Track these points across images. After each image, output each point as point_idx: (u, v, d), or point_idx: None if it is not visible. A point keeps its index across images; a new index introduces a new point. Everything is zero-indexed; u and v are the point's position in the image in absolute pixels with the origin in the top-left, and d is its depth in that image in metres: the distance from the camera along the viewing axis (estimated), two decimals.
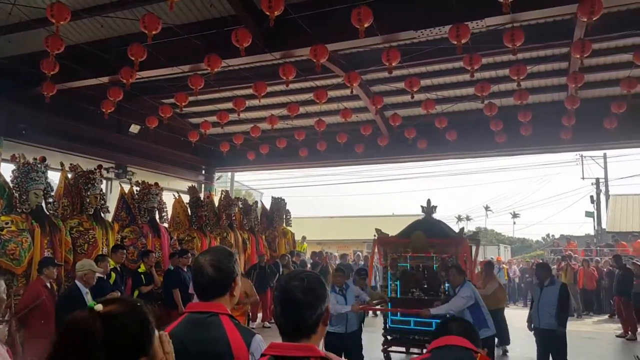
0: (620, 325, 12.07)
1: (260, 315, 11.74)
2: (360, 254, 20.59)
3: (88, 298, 5.45)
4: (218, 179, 18.43)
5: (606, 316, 14.96)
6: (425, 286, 7.59)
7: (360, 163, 16.60)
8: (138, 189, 9.94)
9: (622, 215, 26.39)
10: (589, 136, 11.62)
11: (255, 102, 10.72)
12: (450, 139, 11.69)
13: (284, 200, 15.07)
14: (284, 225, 14.85)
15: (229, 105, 11.08)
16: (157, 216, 10.09)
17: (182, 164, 15.14)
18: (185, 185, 13.58)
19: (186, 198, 11.72)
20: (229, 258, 2.17)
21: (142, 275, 8.23)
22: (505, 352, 9.24)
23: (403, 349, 8.03)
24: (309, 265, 14.35)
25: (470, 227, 62.96)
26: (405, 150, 13.01)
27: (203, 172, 16.41)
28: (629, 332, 11.35)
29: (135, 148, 13.08)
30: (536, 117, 10.70)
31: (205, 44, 8.05)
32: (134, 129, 12.76)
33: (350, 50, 9.55)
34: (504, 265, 19.93)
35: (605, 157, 27.54)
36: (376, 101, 10.44)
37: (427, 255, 7.66)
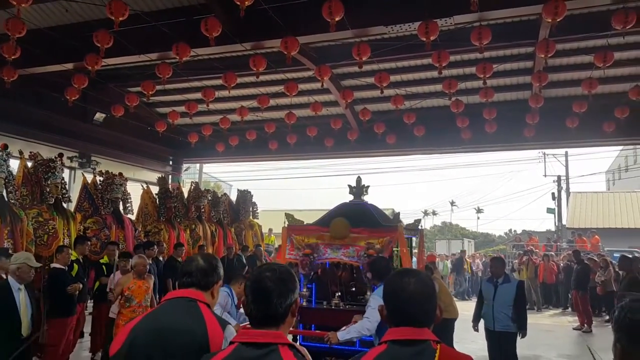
0: (577, 318, 12.52)
1: None
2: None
3: (20, 295, 4.94)
4: (186, 170, 18.18)
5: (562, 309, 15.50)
6: (354, 289, 5.84)
7: (330, 157, 16.66)
8: (101, 179, 9.73)
9: (582, 212, 27.30)
10: (552, 134, 11.95)
11: (224, 93, 10.62)
12: (418, 135, 11.84)
13: (250, 192, 14.99)
14: (251, 217, 14.78)
15: (198, 95, 10.94)
16: (121, 207, 9.89)
17: (148, 154, 14.87)
18: (151, 175, 13.37)
19: (155, 189, 11.52)
20: (216, 259, 2.37)
21: (103, 266, 8.06)
22: None
23: None
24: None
25: (436, 221, 64.23)
26: (375, 144, 13.11)
27: (170, 162, 16.17)
28: (585, 325, 11.78)
29: (100, 137, 12.77)
30: (501, 114, 10.95)
31: (173, 32, 7.91)
32: (99, 117, 12.45)
33: (321, 44, 9.55)
34: (468, 259, 20.36)
35: (566, 155, 28.38)
36: (346, 95, 10.47)
37: (352, 248, 5.60)
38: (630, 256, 10.32)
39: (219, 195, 13.74)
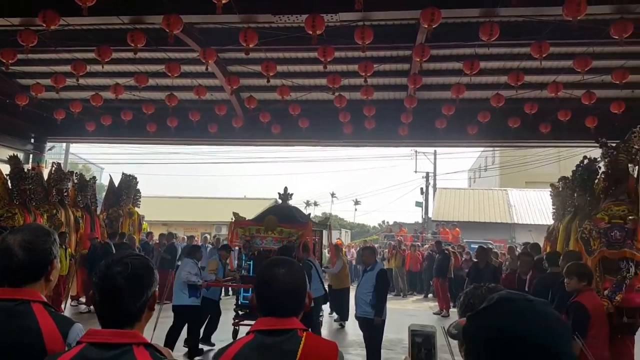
0: (437, 303, 13.65)
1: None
2: (207, 236, 20.63)
3: None
4: (50, 149, 16.59)
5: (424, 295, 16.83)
6: None
7: (213, 143, 16.23)
8: None
9: (446, 206, 29.76)
10: (423, 134, 12.75)
11: (98, 67, 9.83)
12: (303, 126, 12.00)
13: (135, 178, 14.23)
14: (131, 205, 14.00)
15: (67, 68, 10.00)
16: None
17: (6, 130, 13.26)
18: (8, 154, 12.00)
19: (6, 169, 10.35)
20: (44, 238, 1.93)
21: None
22: (342, 326, 10.77)
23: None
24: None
25: (317, 212, 65.94)
26: (260, 133, 13.01)
27: (32, 140, 14.61)
28: (444, 310, 12.89)
29: None
30: (379, 112, 11.49)
31: None
32: None
33: (207, 25, 9.24)
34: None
35: (435, 153, 30.75)
36: (232, 81, 10.27)
37: (277, 239, 8.53)
38: (486, 247, 11.50)
39: (87, 179, 12.79)
